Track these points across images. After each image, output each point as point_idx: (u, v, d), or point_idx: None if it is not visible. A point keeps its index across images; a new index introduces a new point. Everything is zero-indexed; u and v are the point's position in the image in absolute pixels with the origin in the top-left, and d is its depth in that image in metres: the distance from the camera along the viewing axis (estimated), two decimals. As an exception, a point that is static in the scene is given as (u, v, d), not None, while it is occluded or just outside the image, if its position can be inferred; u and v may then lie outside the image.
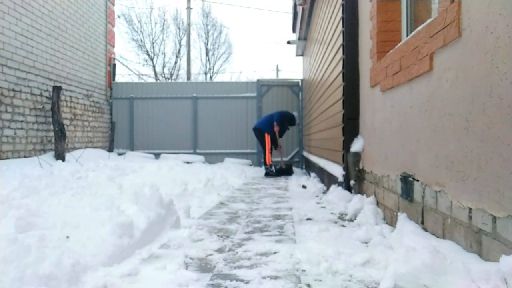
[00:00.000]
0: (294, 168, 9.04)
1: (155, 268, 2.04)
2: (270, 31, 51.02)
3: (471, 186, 1.73)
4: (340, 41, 4.47)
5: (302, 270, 2.01)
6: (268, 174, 7.95)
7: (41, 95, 7.63)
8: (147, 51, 24.61)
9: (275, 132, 8.15)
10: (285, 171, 8.18)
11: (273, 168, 8.04)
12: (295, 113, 8.66)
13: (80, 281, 1.79)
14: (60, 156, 7.62)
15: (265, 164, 8.07)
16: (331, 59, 5.26)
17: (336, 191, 4.30)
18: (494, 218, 1.54)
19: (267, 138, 8.15)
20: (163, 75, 24.70)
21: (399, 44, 2.81)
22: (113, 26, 11.12)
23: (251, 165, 10.04)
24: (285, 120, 8.30)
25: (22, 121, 7.05)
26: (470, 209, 1.74)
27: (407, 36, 2.99)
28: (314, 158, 7.40)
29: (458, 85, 1.87)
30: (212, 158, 10.38)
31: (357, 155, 3.96)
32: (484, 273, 1.39)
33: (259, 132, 8.29)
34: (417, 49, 2.33)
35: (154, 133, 10.74)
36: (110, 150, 10.36)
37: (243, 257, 2.26)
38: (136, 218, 2.55)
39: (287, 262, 2.11)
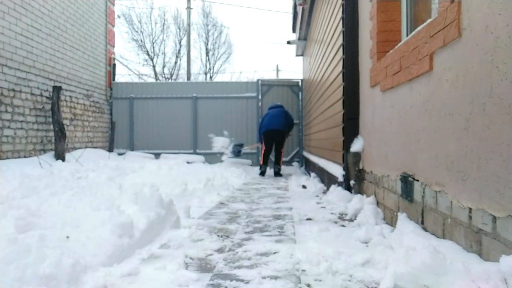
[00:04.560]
0: (293, 168, 9.03)
1: (155, 268, 2.04)
2: (270, 31, 51.07)
3: (471, 186, 1.73)
4: (340, 41, 4.47)
5: (302, 270, 2.01)
6: (276, 173, 7.95)
7: (41, 95, 7.62)
8: (147, 51, 24.61)
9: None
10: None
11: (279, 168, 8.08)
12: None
13: (80, 281, 1.79)
14: (60, 156, 7.62)
15: (278, 164, 8.02)
16: (331, 59, 5.26)
17: (336, 191, 4.30)
18: (494, 218, 1.54)
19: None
20: (163, 75, 24.70)
21: (399, 44, 2.81)
22: (113, 26, 11.11)
23: (251, 165, 10.03)
24: None
25: (22, 121, 7.05)
26: (470, 209, 1.74)
27: (407, 36, 2.99)
28: (314, 158, 7.40)
29: (458, 85, 1.87)
30: (212, 158, 10.36)
31: (357, 155, 3.96)
32: (484, 273, 1.39)
33: (281, 133, 8.02)
34: (417, 49, 2.33)
35: (154, 133, 10.73)
36: (110, 150, 10.36)
37: (243, 257, 2.26)
38: (136, 218, 2.55)
39: (287, 262, 2.11)
